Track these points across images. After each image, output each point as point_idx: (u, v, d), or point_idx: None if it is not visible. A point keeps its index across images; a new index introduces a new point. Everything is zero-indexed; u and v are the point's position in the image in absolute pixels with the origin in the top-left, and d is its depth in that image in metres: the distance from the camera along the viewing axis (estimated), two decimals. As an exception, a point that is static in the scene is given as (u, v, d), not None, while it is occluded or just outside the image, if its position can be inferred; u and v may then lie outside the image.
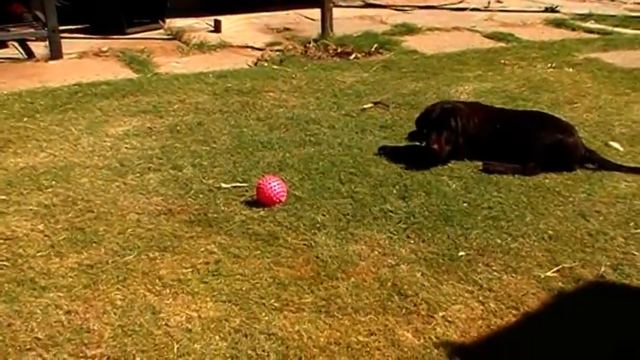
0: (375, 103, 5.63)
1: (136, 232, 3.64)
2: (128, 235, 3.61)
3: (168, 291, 3.15)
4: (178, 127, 5.08)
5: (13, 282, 3.19)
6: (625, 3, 10.03)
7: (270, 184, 3.92)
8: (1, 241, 3.53)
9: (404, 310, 3.03)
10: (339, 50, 7.25)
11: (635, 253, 3.50)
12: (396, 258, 3.44)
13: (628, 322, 3.00)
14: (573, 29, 8.51)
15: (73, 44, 7.31)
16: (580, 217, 3.83)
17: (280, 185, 3.96)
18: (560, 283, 3.25)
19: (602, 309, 3.09)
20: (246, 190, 4.09)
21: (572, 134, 4.49)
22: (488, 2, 10.01)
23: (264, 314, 2.99)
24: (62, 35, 6.99)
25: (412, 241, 3.59)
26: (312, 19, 8.56)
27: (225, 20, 8.39)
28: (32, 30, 7.11)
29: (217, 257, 3.43)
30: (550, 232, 3.69)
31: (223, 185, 4.16)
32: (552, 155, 4.35)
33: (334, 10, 8.09)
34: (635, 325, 2.99)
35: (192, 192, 4.09)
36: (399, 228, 3.72)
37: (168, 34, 8.04)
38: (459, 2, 10.15)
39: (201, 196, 4.04)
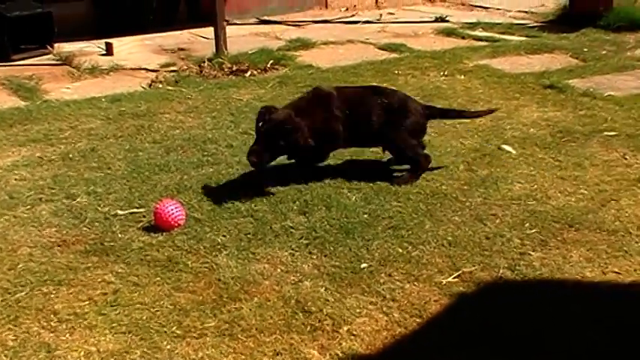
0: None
1: (28, 267, 3.48)
2: (20, 271, 3.45)
3: (64, 326, 3.03)
4: (71, 155, 4.91)
5: None
6: (510, 11, 10.42)
7: (167, 208, 3.83)
8: None
9: (309, 327, 3.01)
10: (235, 68, 7.20)
11: (531, 253, 3.61)
12: (298, 274, 3.42)
13: (527, 318, 3.08)
14: (463, 37, 8.76)
15: (-45, 73, 6.98)
16: (477, 221, 3.92)
17: (178, 209, 3.87)
18: (461, 288, 3.31)
19: (500, 309, 3.16)
20: (144, 216, 3.99)
21: (410, 100, 4.60)
22: (380, 15, 10.20)
23: (165, 343, 2.91)
24: (-58, 65, 6.66)
25: (315, 256, 3.58)
26: (206, 38, 8.48)
27: (117, 42, 8.20)
28: None
29: (115, 287, 3.32)
30: (449, 237, 3.75)
31: (119, 212, 4.05)
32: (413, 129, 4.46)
33: (228, 28, 8.04)
34: (534, 320, 3.07)
35: (87, 221, 3.95)
36: (301, 244, 3.70)
37: (57, 59, 7.78)
38: (352, 15, 10.30)
39: (96, 224, 3.91)
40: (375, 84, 5.57)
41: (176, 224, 3.84)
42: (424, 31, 9.17)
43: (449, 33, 8.98)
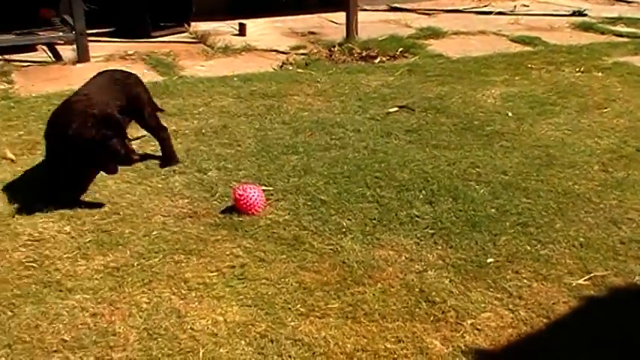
0: (401, 107, 5.58)
1: (161, 235, 3.63)
2: (153, 238, 3.60)
3: (193, 294, 3.14)
4: (203, 130, 5.08)
5: (40, 283, 3.19)
6: (655, 6, 9.90)
7: (248, 195, 3.86)
8: (29, 242, 3.54)
9: (432, 317, 2.99)
10: (364, 54, 7.21)
11: (669, 261, 3.43)
12: (423, 264, 3.40)
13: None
14: (602, 33, 8.39)
15: (99, 48, 7.34)
16: (612, 224, 3.76)
17: (259, 195, 3.89)
18: (592, 292, 3.19)
19: (633, 316, 3.03)
20: (272, 194, 4.07)
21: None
22: (514, 6, 9.92)
23: (290, 319, 2.97)
24: (89, 39, 7.02)
25: (440, 247, 3.55)
26: (336, 23, 8.53)
27: (250, 24, 8.39)
28: (60, 34, 7.15)
29: (243, 261, 3.41)
30: (581, 239, 3.62)
31: (248, 189, 4.14)
32: None
33: (359, 13, 8.05)
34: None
35: (217, 195, 4.07)
36: (426, 233, 3.67)
37: (193, 38, 8.06)
38: (484, 6, 10.08)
39: (226, 199, 4.02)
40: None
41: (255, 212, 3.86)
42: (560, 25, 8.86)
43: (587, 27, 8.62)
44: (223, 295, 3.14)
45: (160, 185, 4.21)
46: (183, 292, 3.16)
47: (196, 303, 3.08)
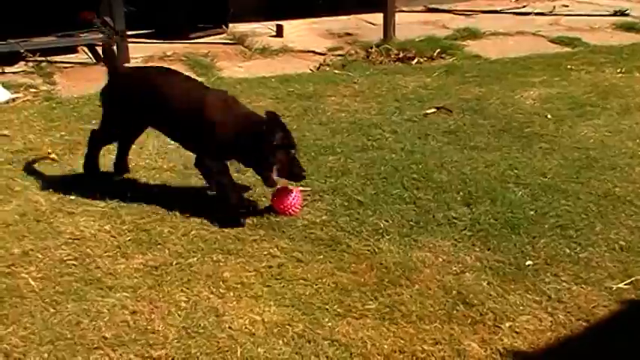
0: (438, 109, 5.56)
1: (199, 234, 3.67)
2: (192, 238, 3.64)
3: (231, 294, 3.17)
4: (246, 131, 5.10)
5: (81, 281, 3.25)
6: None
7: (288, 197, 3.88)
8: (70, 240, 3.61)
9: (469, 320, 2.98)
10: (401, 55, 7.18)
11: None
12: (460, 266, 3.38)
13: None
14: (645, 33, 8.26)
15: (139, 49, 7.43)
16: (653, 228, 3.71)
17: (296, 196, 3.90)
18: (633, 296, 3.15)
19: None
20: (309, 195, 4.08)
21: None
22: (554, 6, 9.79)
23: (327, 320, 2.98)
24: (129, 40, 7.11)
25: (477, 249, 3.53)
26: (373, 24, 8.51)
27: (287, 25, 8.42)
28: (100, 35, 7.26)
29: (280, 261, 3.43)
30: (621, 242, 3.58)
31: (286, 189, 4.16)
32: None
33: (396, 14, 8.03)
34: None
35: (255, 195, 4.10)
36: (464, 235, 3.66)
37: (230, 39, 8.11)
38: (523, 6, 9.96)
39: (264, 199, 4.04)
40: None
41: (293, 212, 3.87)
42: (600, 25, 8.72)
43: (629, 28, 8.47)
44: (261, 294, 3.17)
45: (198, 185, 4.25)
46: (222, 291, 3.19)
47: (234, 302, 3.11)
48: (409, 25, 8.67)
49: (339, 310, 3.04)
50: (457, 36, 8.12)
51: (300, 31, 8.57)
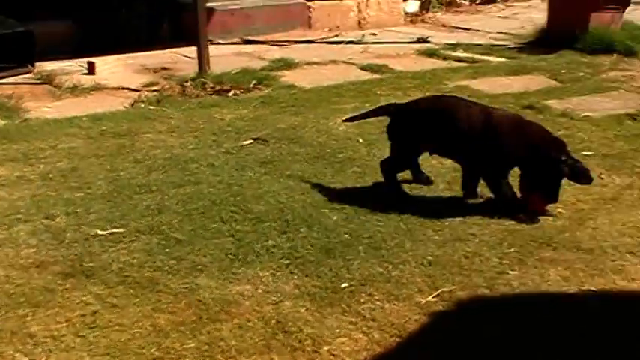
0: (255, 140, 5.62)
1: (4, 289, 3.45)
2: (-6, 294, 3.42)
3: (40, 349, 3.00)
4: (50, 175, 4.88)
5: None
6: (490, 33, 10.51)
7: None
8: None
9: (288, 348, 3.01)
10: (217, 88, 7.20)
11: (509, 271, 3.63)
12: (279, 294, 3.42)
13: (506, 335, 3.10)
14: (444, 58, 8.82)
15: None
16: (457, 241, 3.94)
17: None
18: (440, 307, 3.32)
19: (477, 326, 3.19)
20: (124, 236, 3.97)
21: None
22: (363, 35, 10.26)
23: (144, 364, 2.89)
24: None
25: (295, 277, 3.58)
26: (189, 58, 8.47)
27: (100, 62, 8.19)
28: None
29: (94, 308, 3.30)
30: (429, 257, 3.77)
31: (99, 232, 4.02)
32: None
33: (212, 47, 8.06)
34: (514, 337, 3.09)
35: (66, 241, 3.93)
36: (282, 264, 3.70)
37: (38, 78, 7.74)
38: (335, 36, 10.35)
39: (75, 245, 3.88)
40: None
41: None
42: (406, 52, 9.23)
43: (430, 54, 9.04)
44: (73, 346, 3.02)
45: (2, 236, 4.00)
46: (29, 347, 3.01)
47: (44, 358, 2.94)
48: (226, 57, 8.74)
49: (156, 352, 2.97)
50: (273, 67, 8.27)
51: (114, 67, 8.36)
